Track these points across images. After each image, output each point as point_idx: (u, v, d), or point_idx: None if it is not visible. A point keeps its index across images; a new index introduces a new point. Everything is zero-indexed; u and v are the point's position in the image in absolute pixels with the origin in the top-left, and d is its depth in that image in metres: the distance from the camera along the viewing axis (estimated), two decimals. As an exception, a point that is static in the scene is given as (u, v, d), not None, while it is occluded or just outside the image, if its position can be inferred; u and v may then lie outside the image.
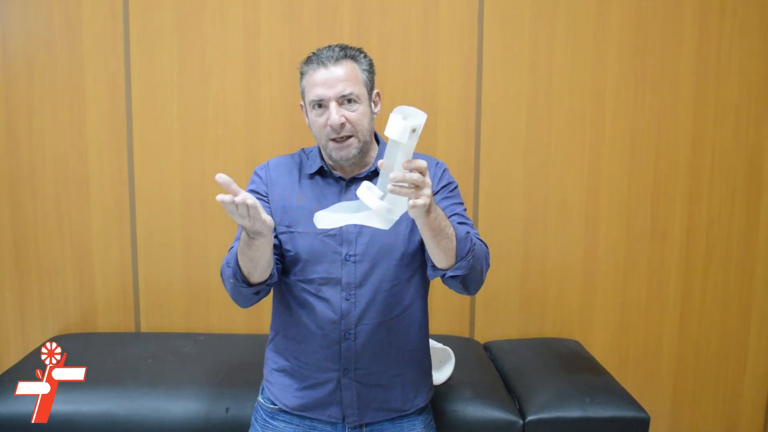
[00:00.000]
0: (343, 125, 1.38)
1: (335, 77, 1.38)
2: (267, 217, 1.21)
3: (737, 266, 2.35)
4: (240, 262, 1.33)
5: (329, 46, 1.42)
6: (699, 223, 2.32)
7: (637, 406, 1.82)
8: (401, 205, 1.17)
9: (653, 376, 2.38)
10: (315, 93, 1.39)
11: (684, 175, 2.30)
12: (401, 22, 2.20)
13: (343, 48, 1.41)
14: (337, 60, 1.39)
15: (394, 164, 1.14)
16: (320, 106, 1.40)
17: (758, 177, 2.32)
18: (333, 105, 1.38)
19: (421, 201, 1.14)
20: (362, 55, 1.45)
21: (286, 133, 2.22)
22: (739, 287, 2.36)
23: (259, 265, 1.32)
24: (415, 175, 1.12)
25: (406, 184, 1.13)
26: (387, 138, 1.13)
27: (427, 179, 1.15)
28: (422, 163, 1.14)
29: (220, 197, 1.14)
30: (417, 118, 1.11)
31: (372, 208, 1.15)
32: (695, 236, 2.33)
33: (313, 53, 1.43)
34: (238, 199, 1.15)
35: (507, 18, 2.21)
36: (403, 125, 1.09)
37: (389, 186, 1.13)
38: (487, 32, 2.21)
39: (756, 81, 2.26)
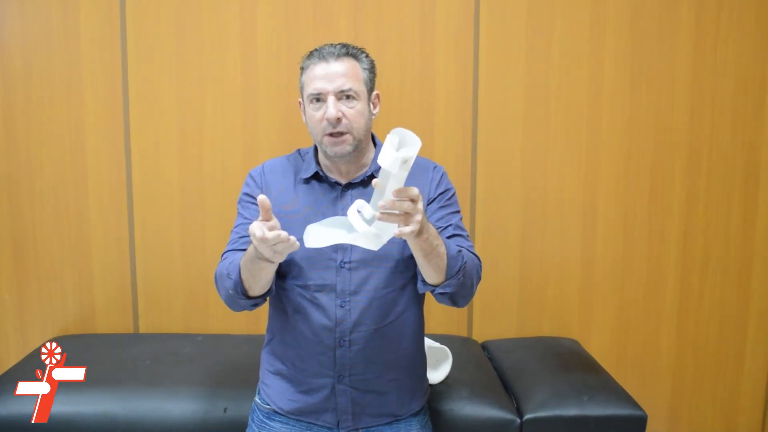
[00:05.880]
0: (339, 120, 1.37)
1: (335, 72, 1.37)
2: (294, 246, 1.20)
3: (735, 265, 2.35)
4: (242, 276, 1.33)
5: (331, 44, 1.41)
6: (696, 221, 2.32)
7: (634, 404, 1.82)
8: (389, 231, 1.16)
9: (651, 374, 2.38)
10: (314, 86, 1.38)
11: (681, 174, 2.30)
12: (397, 23, 2.20)
13: (345, 46, 1.41)
14: (339, 56, 1.39)
15: (385, 190, 1.13)
16: (318, 100, 1.39)
17: (755, 175, 2.31)
18: (331, 99, 1.37)
19: (408, 229, 1.13)
20: (364, 54, 1.44)
21: (283, 135, 2.22)
22: (737, 286, 2.36)
23: (262, 281, 1.33)
24: (406, 204, 1.11)
25: (396, 211, 1.12)
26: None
27: (419, 206, 1.14)
28: (414, 191, 1.12)
29: (260, 234, 1.14)
30: (410, 148, 1.09)
31: (359, 231, 1.14)
32: (693, 235, 2.33)
33: (315, 49, 1.42)
34: (270, 235, 1.14)
35: (503, 18, 2.21)
36: (393, 156, 1.07)
37: (377, 213, 1.11)
38: (484, 32, 2.21)
39: (753, 79, 2.26)
